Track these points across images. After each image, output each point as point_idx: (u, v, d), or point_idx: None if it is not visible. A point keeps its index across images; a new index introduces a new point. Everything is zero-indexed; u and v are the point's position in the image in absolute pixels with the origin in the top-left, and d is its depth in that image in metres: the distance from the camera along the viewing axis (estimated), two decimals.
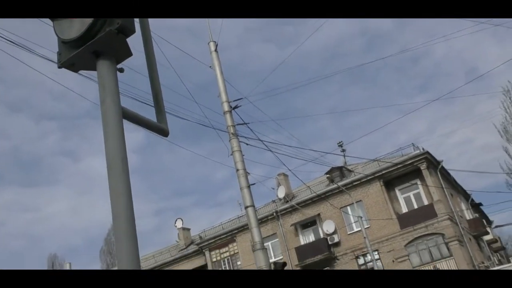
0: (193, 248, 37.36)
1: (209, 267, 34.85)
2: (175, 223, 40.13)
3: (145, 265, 39.29)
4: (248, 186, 14.54)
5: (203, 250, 35.56)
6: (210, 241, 35.40)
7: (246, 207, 14.45)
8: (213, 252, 35.33)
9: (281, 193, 33.73)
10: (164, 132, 2.74)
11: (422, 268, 27.68)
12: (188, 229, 40.84)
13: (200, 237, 36.29)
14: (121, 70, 2.59)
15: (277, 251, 32.35)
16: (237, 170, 13.93)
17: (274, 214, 32.87)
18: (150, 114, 3.00)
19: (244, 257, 32.67)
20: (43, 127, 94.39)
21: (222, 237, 35.04)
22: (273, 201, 34.74)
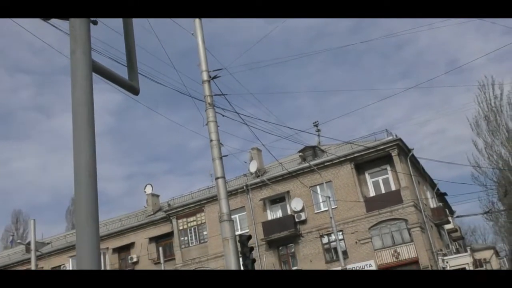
0: (160, 215, 37.41)
1: (175, 235, 35.02)
2: (144, 188, 40.02)
3: (112, 227, 39.24)
4: (221, 158, 14.56)
5: (171, 218, 35.65)
6: (178, 209, 35.49)
7: (216, 178, 14.49)
8: (180, 220, 35.45)
9: (253, 167, 33.89)
10: (134, 90, 2.71)
11: (382, 251, 28.41)
12: (157, 196, 40.79)
13: (169, 205, 36.33)
14: (95, 23, 2.53)
15: (244, 224, 32.68)
16: (211, 140, 13.92)
17: (244, 187, 33.07)
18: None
19: (211, 227, 32.93)
20: (17, 80, 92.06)
21: (190, 206, 35.16)
22: (245, 175, 34.92)
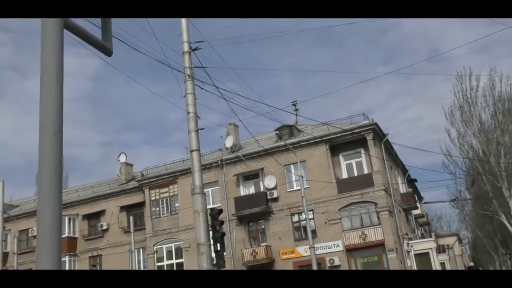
0: (133, 184, 37.25)
1: (147, 205, 34.98)
2: (118, 157, 39.71)
3: (83, 194, 38.96)
4: (197, 131, 14.52)
5: (143, 188, 35.54)
6: (151, 180, 35.37)
7: (191, 151, 14.48)
8: (152, 191, 35.39)
9: (229, 142, 33.88)
10: (107, 51, 2.65)
11: (350, 232, 28.95)
12: (131, 165, 40.56)
13: (142, 175, 36.17)
14: None
15: (216, 198, 32.81)
16: (188, 113, 13.87)
17: (219, 162, 33.10)
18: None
19: (183, 200, 32.97)
20: None
21: (164, 177, 35.08)
22: (220, 150, 34.92)
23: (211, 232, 13.61)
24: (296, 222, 30.70)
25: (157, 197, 35.29)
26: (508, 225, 42.81)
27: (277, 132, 32.93)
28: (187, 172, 31.48)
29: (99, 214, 37.33)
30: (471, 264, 75.26)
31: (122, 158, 39.54)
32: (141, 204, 35.73)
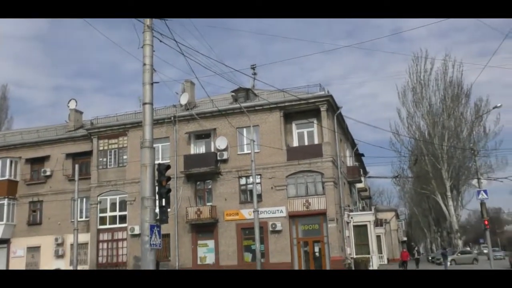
0: (81, 132, 36.37)
1: (94, 155, 34.35)
2: (68, 103, 38.49)
3: (28, 138, 37.71)
4: (151, 84, 14.27)
5: (92, 137, 34.79)
6: (101, 129, 34.65)
7: (144, 104, 14.25)
8: (101, 141, 34.73)
9: (184, 100, 33.48)
10: None
11: (295, 199, 29.65)
12: (81, 112, 39.48)
13: (92, 123, 35.32)
14: None
15: (166, 154, 32.59)
16: (144, 64, 13.63)
17: (172, 118, 32.76)
18: None
19: (132, 153, 32.59)
20: None
21: (114, 128, 34.43)
22: (174, 106, 34.48)
23: (157, 187, 13.58)
24: (243, 185, 31.08)
25: (106, 147, 34.69)
26: (443, 205, 45.17)
27: (233, 94, 32.80)
28: (138, 125, 31.01)
29: (43, 159, 36.36)
30: (405, 239, 79.10)
31: (72, 105, 38.38)
32: (88, 153, 35.04)
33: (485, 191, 29.94)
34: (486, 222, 30.35)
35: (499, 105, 34.99)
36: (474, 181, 38.34)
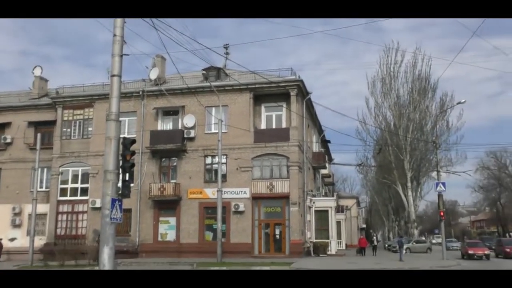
0: (46, 100, 35.44)
1: (58, 124, 33.59)
2: (33, 69, 37.35)
3: None
4: (121, 56, 14.01)
5: (56, 106, 33.96)
6: (66, 99, 33.85)
7: (112, 75, 14.00)
8: (66, 111, 33.96)
9: (154, 74, 33.00)
10: None
11: (259, 181, 29.85)
12: (46, 80, 38.41)
13: (57, 92, 34.43)
14: None
15: (132, 129, 32.16)
16: (114, 35, 13.40)
17: (140, 93, 32.28)
18: None
19: (98, 125, 32.01)
20: None
21: (80, 98, 33.70)
22: (143, 80, 33.96)
23: (120, 161, 13.43)
24: (209, 164, 31.05)
25: (70, 118, 33.96)
26: (403, 195, 46.33)
27: (204, 72, 32.52)
28: (105, 97, 30.38)
29: (3, 126, 35.31)
30: (364, 226, 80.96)
31: (37, 71, 37.26)
32: (52, 123, 34.21)
33: (443, 184, 30.90)
34: (441, 214, 31.43)
35: (463, 101, 35.97)
36: (434, 174, 39.56)
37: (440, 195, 31.21)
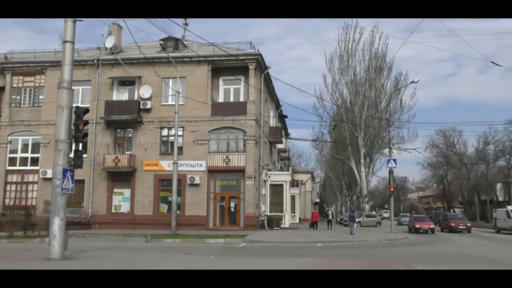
0: None
1: (7, 91, 32.28)
2: None
3: None
4: (74, 21, 13.58)
5: (5, 72, 32.54)
6: (15, 65, 32.48)
7: (64, 41, 13.59)
8: (15, 77, 32.64)
9: (109, 43, 32.09)
10: None
11: (215, 155, 29.88)
12: None
13: (5, 57, 32.92)
14: None
15: (86, 98, 31.34)
16: None
17: (95, 61, 31.37)
18: None
19: (49, 93, 30.97)
20: None
21: (31, 65, 32.42)
22: (98, 48, 32.97)
23: (73, 131, 13.13)
24: (165, 136, 30.75)
25: (20, 85, 32.68)
26: (356, 171, 47.50)
27: (161, 42, 31.87)
28: (57, 64, 29.30)
29: None
30: (318, 200, 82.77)
31: None
32: (0, 89, 32.81)
33: (394, 160, 31.88)
34: (391, 189, 32.53)
35: (416, 80, 36.95)
36: (386, 150, 40.75)
37: (391, 171, 32.23)
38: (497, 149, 61.76)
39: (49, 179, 25.99)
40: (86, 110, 13.73)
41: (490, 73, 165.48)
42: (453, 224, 35.96)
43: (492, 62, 25.18)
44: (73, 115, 13.16)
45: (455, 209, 75.00)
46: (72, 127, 13.04)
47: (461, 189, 70.41)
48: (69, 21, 13.33)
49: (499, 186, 66.55)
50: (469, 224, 36.63)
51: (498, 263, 14.39)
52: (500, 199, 65.54)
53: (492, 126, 75.58)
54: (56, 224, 12.24)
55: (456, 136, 69.35)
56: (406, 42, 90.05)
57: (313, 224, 36.45)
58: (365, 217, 44.73)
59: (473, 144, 78.43)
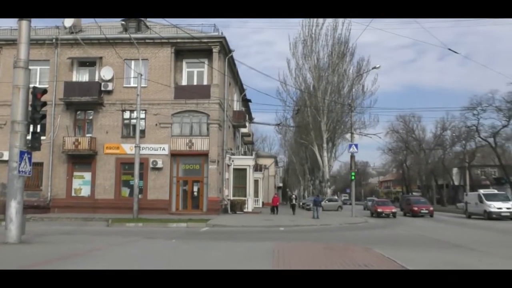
0: None
1: None
2: None
3: None
4: None
5: None
6: None
7: (20, 19, 13.10)
8: None
9: (68, 22, 31.08)
10: None
11: (178, 138, 29.63)
12: None
13: None
14: None
15: (44, 78, 30.37)
16: None
17: (54, 40, 30.37)
18: None
19: (5, 72, 29.83)
20: None
21: None
22: (57, 27, 31.90)
23: (30, 112, 12.74)
24: (127, 119, 30.25)
25: None
26: (318, 156, 48.10)
27: (123, 23, 31.11)
28: (13, 42, 28.25)
29: None
30: (281, 185, 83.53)
31: None
32: None
33: (356, 145, 32.43)
34: (353, 174, 33.12)
35: (377, 66, 37.56)
36: (348, 135, 41.34)
37: (352, 156, 32.77)
38: (454, 134, 63.71)
39: (6, 162, 25.23)
40: (44, 91, 13.32)
41: (449, 60, 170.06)
42: (415, 209, 36.08)
43: (449, 49, 25.81)
44: (30, 96, 12.76)
45: (413, 193, 77.34)
46: (30, 108, 12.66)
47: (419, 174, 72.41)
48: None
49: (455, 170, 68.85)
50: (431, 209, 36.73)
51: (452, 245, 14.96)
52: (456, 183, 67.87)
53: (449, 112, 77.79)
54: (13, 208, 11.92)
55: (416, 122, 71.16)
56: (368, 28, 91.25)
57: (274, 209, 35.30)
58: (327, 201, 45.44)
59: (431, 129, 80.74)
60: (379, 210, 34.80)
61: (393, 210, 34.65)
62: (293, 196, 41.95)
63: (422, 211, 35.73)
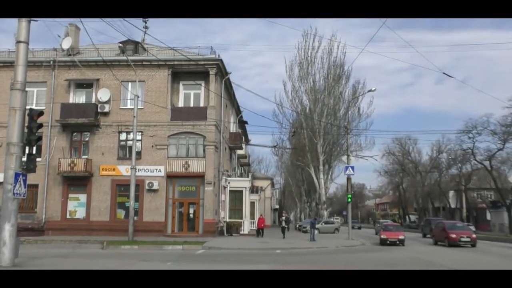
0: None
1: None
2: None
3: None
4: (29, 20, 13.24)
5: None
6: None
7: (18, 42, 13.22)
8: None
9: (66, 44, 31.33)
10: None
11: (174, 160, 29.57)
12: None
13: None
14: None
15: (41, 100, 30.41)
16: None
17: (51, 62, 30.52)
18: None
19: (2, 94, 29.83)
20: None
21: None
22: (55, 49, 32.09)
23: (26, 134, 12.72)
24: (123, 140, 30.21)
25: None
26: (315, 178, 48.03)
27: (120, 45, 31.37)
28: (11, 64, 28.32)
29: None
30: (277, 206, 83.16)
31: None
32: None
33: (352, 167, 32.42)
34: (349, 196, 33.04)
35: (373, 89, 37.88)
36: (344, 158, 41.32)
37: (349, 178, 32.74)
38: (450, 157, 63.80)
39: (0, 184, 25.15)
40: (41, 113, 13.34)
41: (446, 84, 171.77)
42: (453, 236, 27.38)
43: (444, 73, 26.12)
44: (27, 118, 12.76)
45: (410, 216, 77.00)
46: (26, 130, 12.64)
47: (415, 196, 72.28)
48: (23, 21, 12.97)
49: (451, 193, 68.74)
50: (474, 236, 27.87)
51: (443, 266, 14.84)
52: (453, 206, 67.70)
53: (445, 135, 77.99)
54: (7, 230, 11.80)
55: (412, 144, 71.31)
56: (363, 51, 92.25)
57: (259, 231, 32.12)
58: (323, 224, 45.17)
59: (427, 152, 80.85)
60: (382, 236, 28.60)
61: (400, 237, 27.89)
62: (283, 217, 37.34)
63: (462, 239, 27.24)
